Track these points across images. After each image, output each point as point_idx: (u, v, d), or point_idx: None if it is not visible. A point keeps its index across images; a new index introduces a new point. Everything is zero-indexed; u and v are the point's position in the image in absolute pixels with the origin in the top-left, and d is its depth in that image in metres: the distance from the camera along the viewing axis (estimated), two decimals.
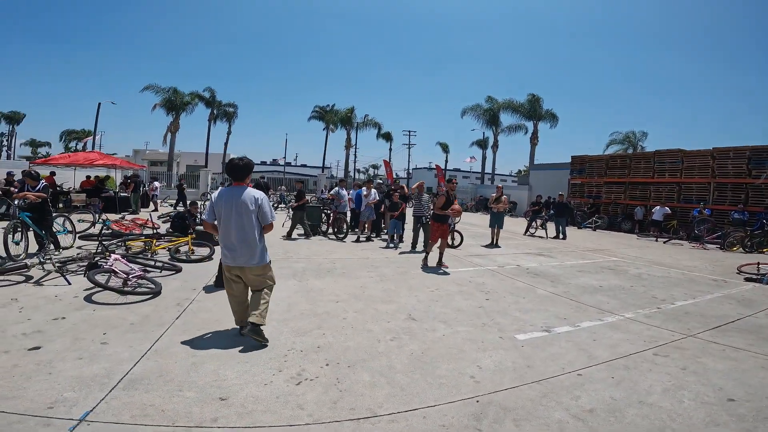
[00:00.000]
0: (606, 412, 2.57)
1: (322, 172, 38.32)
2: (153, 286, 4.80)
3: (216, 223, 3.44)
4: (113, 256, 5.27)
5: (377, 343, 3.62)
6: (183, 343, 3.38)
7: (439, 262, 7.24)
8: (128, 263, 5.26)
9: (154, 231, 8.25)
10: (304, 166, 56.43)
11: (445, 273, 6.77)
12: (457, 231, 9.89)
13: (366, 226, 10.57)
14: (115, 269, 4.84)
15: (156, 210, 16.00)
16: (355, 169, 44.38)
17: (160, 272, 5.61)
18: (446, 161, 46.48)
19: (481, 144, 37.89)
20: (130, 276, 4.82)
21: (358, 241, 9.95)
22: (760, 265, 8.04)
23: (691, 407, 2.68)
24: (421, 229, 8.83)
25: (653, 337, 4.05)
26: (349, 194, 11.49)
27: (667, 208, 15.66)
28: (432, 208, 7.83)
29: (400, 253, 8.63)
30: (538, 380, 2.99)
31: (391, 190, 10.98)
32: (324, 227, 11.21)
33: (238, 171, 3.46)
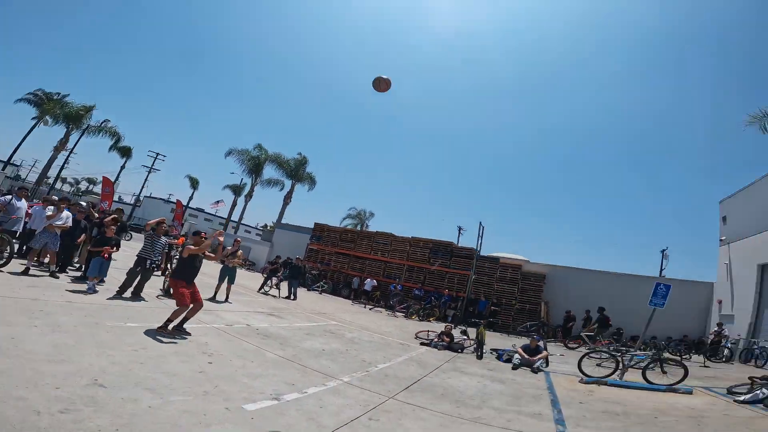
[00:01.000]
0: None
1: (3, 169, 26.67)
2: None
3: None
4: None
5: (35, 415, 2.35)
6: None
7: (180, 327, 5.56)
8: None
9: None
10: None
11: (161, 334, 5.44)
12: None
13: (42, 255, 7.54)
14: None
15: None
16: (59, 177, 33.18)
17: None
18: (190, 198, 41.74)
19: (236, 190, 36.36)
20: None
21: (25, 273, 6.82)
22: (429, 333, 10.63)
23: None
24: (140, 275, 7.10)
25: (366, 401, 4.37)
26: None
27: (374, 281, 19.10)
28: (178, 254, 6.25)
29: (105, 299, 6.46)
30: None
31: (104, 219, 8.44)
32: None
33: None
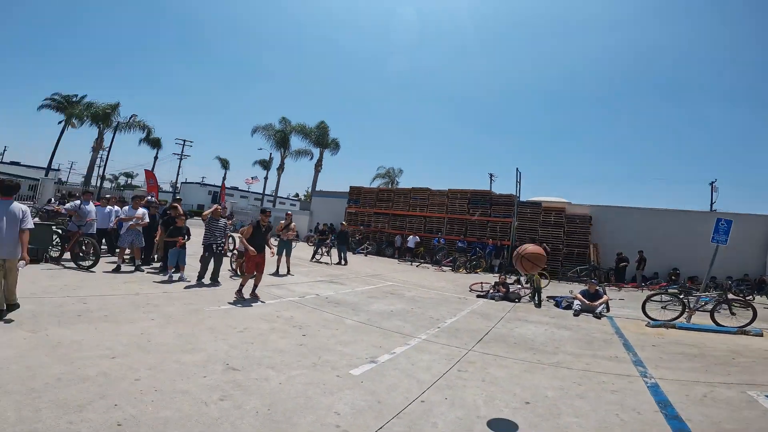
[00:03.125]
0: (464, 430, 2.83)
1: (47, 174, 28.32)
2: None
3: None
4: None
5: (205, 406, 2.73)
6: None
7: (252, 294, 6.58)
8: None
9: None
10: (16, 164, 39.86)
11: (247, 308, 5.97)
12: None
13: (128, 252, 8.19)
14: None
15: None
16: (102, 176, 34.85)
17: None
18: (224, 178, 43.04)
19: (265, 164, 37.06)
20: None
21: (117, 271, 7.56)
22: (483, 284, 10.87)
23: (508, 413, 3.19)
24: (213, 260, 7.61)
25: (449, 355, 4.73)
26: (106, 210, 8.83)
27: (417, 237, 19.42)
28: (238, 237, 6.91)
29: (186, 287, 7.03)
30: (395, 414, 3.01)
31: (166, 210, 8.98)
32: (55, 252, 8.01)
33: None
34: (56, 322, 4.14)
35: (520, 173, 18.85)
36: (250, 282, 6.88)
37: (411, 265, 16.92)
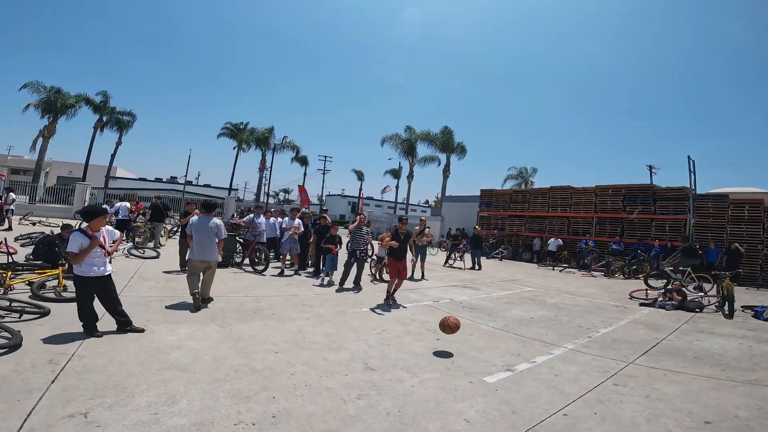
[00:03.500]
0: None
1: (230, 194, 35.43)
2: (9, 335, 3.43)
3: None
4: None
5: (343, 404, 2.97)
6: (72, 418, 2.34)
7: (391, 297, 6.90)
8: None
9: (10, 258, 6.19)
10: (208, 186, 51.61)
11: (386, 311, 6.31)
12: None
13: (288, 258, 9.54)
14: None
15: (10, 229, 12.66)
16: (267, 193, 41.92)
17: (19, 317, 4.12)
18: (360, 189, 46.87)
19: (395, 174, 39.04)
20: None
21: (281, 275, 8.87)
22: (648, 291, 9.21)
23: None
24: (355, 265, 8.29)
25: (603, 367, 4.20)
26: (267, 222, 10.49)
27: (559, 239, 17.60)
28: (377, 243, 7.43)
29: (336, 290, 7.80)
30: (531, 427, 2.82)
31: (316, 220, 10.22)
32: (238, 258, 9.90)
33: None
34: (238, 319, 5.08)
35: (693, 162, 15.40)
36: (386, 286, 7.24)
37: (553, 270, 15.44)
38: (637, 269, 13.76)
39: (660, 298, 8.25)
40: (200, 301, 5.34)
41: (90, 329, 3.90)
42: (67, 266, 5.85)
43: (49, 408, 2.45)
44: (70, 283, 5.34)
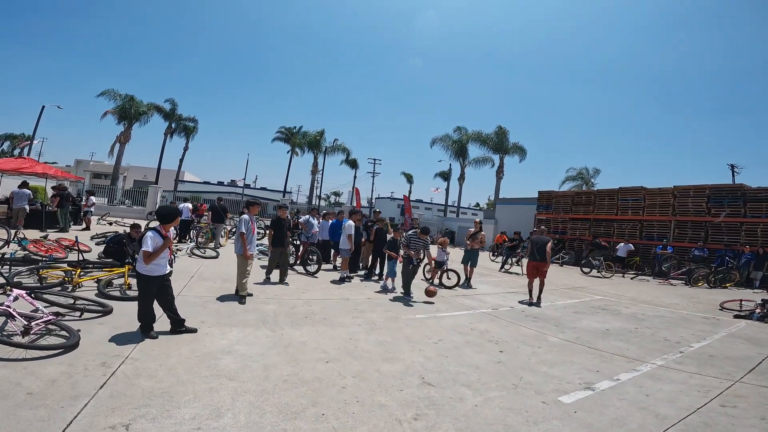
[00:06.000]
0: None
1: (284, 196, 36.68)
2: (67, 335, 3.49)
3: None
4: (15, 291, 3.88)
5: (398, 425, 2.65)
6: (113, 430, 2.23)
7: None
8: (34, 301, 3.90)
9: (81, 256, 6.59)
10: (264, 189, 53.93)
11: (441, 318, 5.90)
12: (453, 270, 9.14)
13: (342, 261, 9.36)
14: (12, 311, 3.48)
15: (88, 228, 13.81)
16: (319, 195, 42.94)
17: (80, 315, 4.24)
18: (410, 192, 46.50)
19: (445, 176, 38.13)
20: (36, 320, 3.50)
21: (342, 281, 8.47)
22: (742, 302, 8.01)
23: None
24: (411, 272, 7.91)
25: (703, 386, 3.66)
26: (318, 223, 10.44)
27: (630, 244, 15.95)
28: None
29: (392, 298, 7.38)
30: None
31: (370, 222, 9.95)
32: (291, 259, 9.94)
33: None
34: (290, 323, 4.92)
35: None
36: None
37: (623, 277, 14.05)
38: (723, 278, 12.11)
39: (758, 310, 7.20)
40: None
41: (146, 330, 3.91)
42: (133, 265, 6.09)
43: (92, 417, 2.35)
44: (134, 282, 5.51)
